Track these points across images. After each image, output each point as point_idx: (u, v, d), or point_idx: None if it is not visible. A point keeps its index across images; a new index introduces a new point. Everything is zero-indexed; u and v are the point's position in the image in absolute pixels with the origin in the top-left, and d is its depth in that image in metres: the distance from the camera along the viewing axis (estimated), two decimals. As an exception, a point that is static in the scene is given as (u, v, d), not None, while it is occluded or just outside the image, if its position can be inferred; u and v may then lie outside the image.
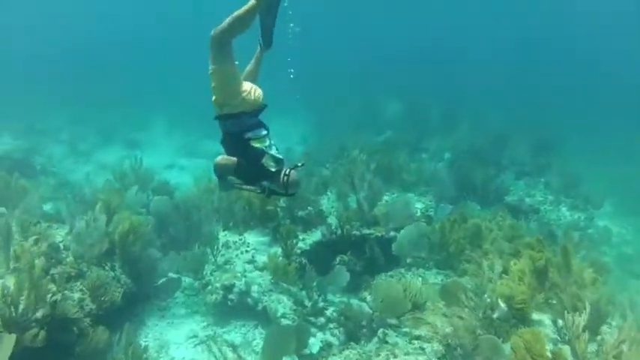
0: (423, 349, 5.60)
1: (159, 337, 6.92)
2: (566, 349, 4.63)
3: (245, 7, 3.67)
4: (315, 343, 6.48)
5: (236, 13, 3.66)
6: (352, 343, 6.37)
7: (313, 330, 6.78)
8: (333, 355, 6.14)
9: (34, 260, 5.53)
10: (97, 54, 39.88)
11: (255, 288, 7.47)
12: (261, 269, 7.94)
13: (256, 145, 4.03)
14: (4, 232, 6.18)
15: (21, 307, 5.08)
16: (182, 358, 6.57)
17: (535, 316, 5.66)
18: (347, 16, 48.67)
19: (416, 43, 47.68)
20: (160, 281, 7.77)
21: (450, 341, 5.39)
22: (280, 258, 7.93)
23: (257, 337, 6.94)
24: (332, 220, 9.18)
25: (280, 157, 4.11)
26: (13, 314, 5.00)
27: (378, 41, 49.62)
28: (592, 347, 4.86)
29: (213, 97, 3.96)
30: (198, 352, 6.66)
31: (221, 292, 7.37)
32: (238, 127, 4.05)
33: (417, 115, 18.18)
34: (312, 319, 7.03)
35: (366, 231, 8.79)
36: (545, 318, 5.64)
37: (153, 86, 28.83)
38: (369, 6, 45.60)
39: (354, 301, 7.34)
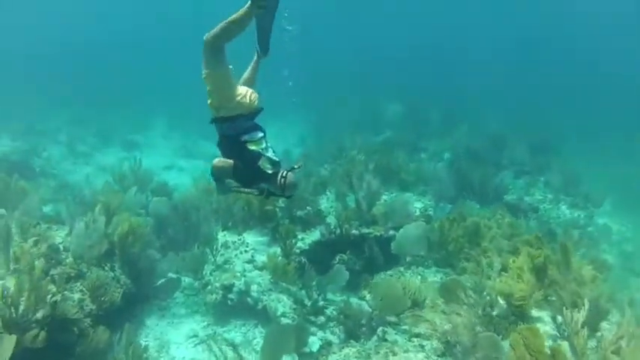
0: (422, 346, 5.62)
1: (159, 337, 6.94)
2: (565, 346, 4.65)
3: (238, 13, 3.66)
4: (315, 342, 6.49)
5: (229, 19, 3.66)
6: (352, 341, 6.39)
7: (313, 329, 6.82)
8: (333, 353, 6.15)
9: (34, 261, 5.55)
10: (96, 54, 39.79)
11: (254, 287, 7.49)
12: (261, 269, 7.95)
13: (252, 147, 4.02)
14: (4, 234, 6.19)
15: (21, 308, 5.09)
16: (182, 357, 6.59)
17: (534, 313, 5.68)
18: (347, 16, 48.74)
19: (416, 43, 47.70)
20: (160, 281, 7.80)
21: (449, 338, 5.41)
22: (279, 257, 7.93)
23: (257, 336, 6.96)
24: (331, 220, 9.19)
25: (277, 159, 4.10)
26: (14, 315, 5.02)
27: (378, 42, 49.60)
28: (591, 343, 4.88)
29: (209, 101, 3.98)
30: (199, 351, 6.68)
31: (221, 291, 7.39)
32: (234, 130, 4.05)
33: (417, 116, 18.22)
34: (312, 318, 7.05)
35: (365, 230, 8.79)
36: (545, 315, 5.66)
37: (152, 87, 28.82)
38: (370, 6, 45.67)
39: (354, 300, 7.35)
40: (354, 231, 8.75)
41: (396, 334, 6.06)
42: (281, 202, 9.07)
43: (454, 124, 16.90)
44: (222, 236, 8.78)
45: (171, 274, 8.02)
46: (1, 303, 4.94)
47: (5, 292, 4.97)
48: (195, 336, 6.99)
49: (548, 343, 4.77)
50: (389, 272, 7.97)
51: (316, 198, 10.03)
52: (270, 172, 4.00)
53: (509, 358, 4.40)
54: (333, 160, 13.43)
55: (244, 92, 4.05)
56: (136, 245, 7.28)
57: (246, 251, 8.39)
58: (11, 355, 4.54)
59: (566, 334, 4.88)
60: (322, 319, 7.05)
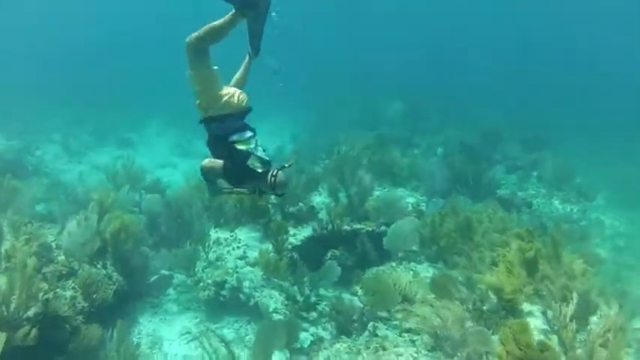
0: (413, 341, 5.64)
1: (152, 334, 6.93)
2: (554, 339, 4.68)
3: (224, 19, 3.71)
4: (306, 338, 6.51)
5: (214, 23, 3.70)
6: (343, 336, 6.39)
7: (305, 324, 6.83)
8: (324, 348, 6.16)
9: (26, 259, 5.54)
10: (95, 54, 39.83)
11: (246, 284, 7.51)
12: (253, 265, 7.97)
13: (241, 147, 4.04)
14: (-5, 233, 6.20)
15: (12, 305, 5.09)
16: (175, 354, 6.60)
17: (525, 307, 5.69)
18: (348, 16, 48.72)
19: (416, 43, 47.71)
20: (152, 279, 7.80)
21: (439, 333, 5.43)
22: (271, 254, 7.95)
23: (250, 332, 6.97)
24: (323, 216, 9.21)
25: (267, 158, 4.11)
26: (5, 313, 5.02)
27: (379, 42, 49.64)
28: (581, 337, 4.91)
29: (198, 101, 4.01)
30: (191, 348, 6.69)
31: (213, 288, 7.39)
32: (223, 130, 4.07)
33: (417, 114, 18.19)
34: (304, 313, 7.07)
35: (356, 226, 8.83)
36: (536, 309, 5.67)
37: (150, 86, 28.73)
38: (370, 6, 45.64)
39: (346, 296, 7.38)
40: (345, 226, 8.78)
41: (386, 329, 6.09)
42: (273, 198, 9.08)
43: (452, 121, 16.93)
44: (215, 233, 8.80)
45: (163, 271, 8.02)
46: (-8, 301, 4.95)
47: (-4, 290, 4.98)
48: (188, 333, 6.99)
49: (538, 337, 4.80)
50: (381, 268, 7.95)
51: (309, 194, 10.04)
52: (260, 171, 4.01)
53: (499, 353, 4.42)
54: (327, 156, 13.42)
55: (232, 92, 4.07)
56: (129, 242, 7.29)
57: (238, 248, 8.41)
58: (2, 352, 4.54)
59: (556, 328, 4.91)
60: (314, 315, 7.07)
